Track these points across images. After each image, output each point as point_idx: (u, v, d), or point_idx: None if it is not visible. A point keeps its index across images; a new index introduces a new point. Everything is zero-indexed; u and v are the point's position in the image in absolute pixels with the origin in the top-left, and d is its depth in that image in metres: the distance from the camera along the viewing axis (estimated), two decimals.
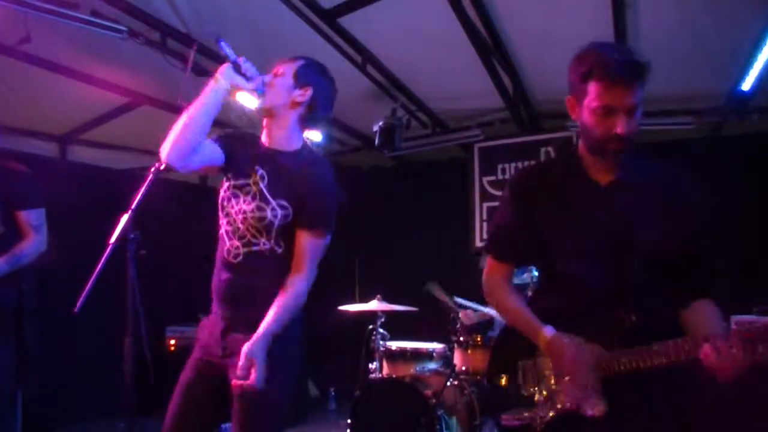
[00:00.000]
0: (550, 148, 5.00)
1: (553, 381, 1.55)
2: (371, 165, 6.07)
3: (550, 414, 1.52)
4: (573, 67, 1.53)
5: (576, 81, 1.51)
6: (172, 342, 5.06)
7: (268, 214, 1.80)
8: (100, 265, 1.70)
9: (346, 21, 3.25)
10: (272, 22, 3.22)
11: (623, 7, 2.99)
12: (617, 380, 1.45)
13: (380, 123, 4.33)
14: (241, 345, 1.71)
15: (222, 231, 1.89)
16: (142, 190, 1.85)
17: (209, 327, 1.90)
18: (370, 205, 5.64)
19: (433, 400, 3.14)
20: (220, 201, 1.91)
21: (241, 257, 1.82)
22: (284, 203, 1.81)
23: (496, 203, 5.27)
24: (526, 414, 1.57)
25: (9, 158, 3.02)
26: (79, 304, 1.70)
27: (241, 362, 1.66)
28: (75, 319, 1.84)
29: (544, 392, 1.56)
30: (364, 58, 3.63)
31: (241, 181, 1.88)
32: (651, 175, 1.58)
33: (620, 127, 1.44)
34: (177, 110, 4.62)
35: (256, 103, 1.96)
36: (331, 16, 3.17)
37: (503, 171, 5.25)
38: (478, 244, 5.31)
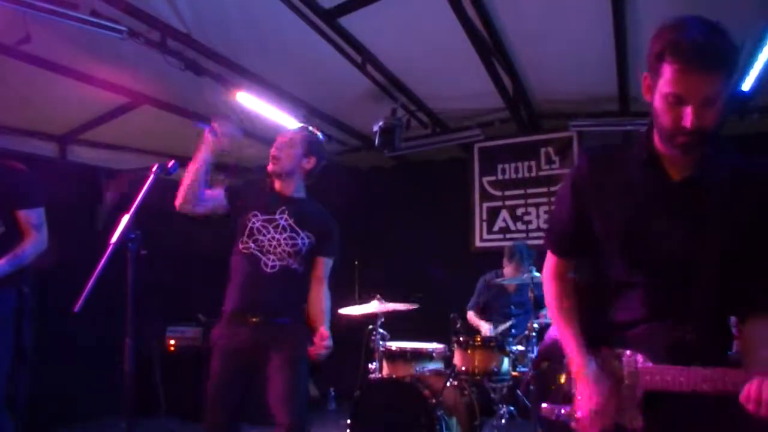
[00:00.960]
0: (550, 149, 5.01)
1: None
2: (371, 165, 6.07)
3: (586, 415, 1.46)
4: (651, 42, 1.32)
5: (652, 57, 1.31)
6: (172, 342, 5.06)
7: (299, 241, 2.44)
8: (100, 265, 1.70)
9: (346, 21, 3.25)
10: (272, 22, 3.22)
11: (623, 7, 2.99)
12: (661, 396, 1.34)
13: (380, 123, 4.33)
14: (275, 339, 2.32)
15: (247, 251, 2.41)
16: (143, 190, 1.85)
17: (232, 331, 2.37)
18: (370, 205, 5.64)
19: (433, 400, 3.14)
20: (248, 229, 2.44)
21: (277, 269, 2.39)
22: (310, 234, 2.47)
23: (496, 203, 5.28)
24: (563, 411, 1.51)
25: (9, 158, 3.02)
26: (79, 303, 1.70)
27: (324, 341, 2.35)
28: (75, 319, 1.84)
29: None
30: (364, 58, 3.63)
31: (269, 216, 2.46)
32: (736, 170, 1.35)
33: (688, 119, 1.24)
34: (177, 110, 4.66)
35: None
36: (331, 16, 3.17)
37: (503, 171, 5.26)
38: (478, 244, 5.32)
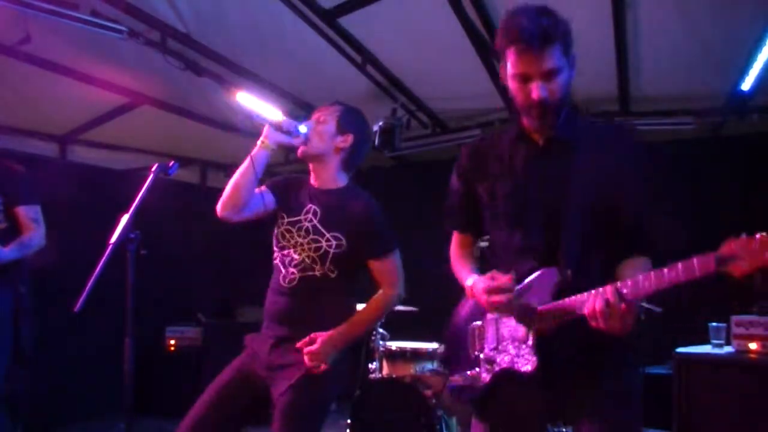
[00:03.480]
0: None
1: (493, 343, 1.58)
2: (371, 165, 6.06)
3: (489, 375, 1.57)
4: (497, 37, 1.52)
5: (500, 51, 1.51)
6: (172, 342, 5.06)
7: (324, 244, 2.01)
8: (100, 265, 1.70)
9: (346, 21, 3.25)
10: (272, 22, 3.22)
11: (623, 7, 2.99)
12: (551, 336, 1.46)
13: (380, 123, 4.32)
14: (288, 362, 1.93)
15: (276, 262, 2.09)
16: (143, 190, 1.85)
17: (258, 342, 2.06)
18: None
19: (433, 400, 3.14)
20: (275, 236, 2.12)
21: (296, 282, 2.01)
22: (337, 234, 2.01)
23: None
24: (468, 374, 1.62)
25: (8, 158, 3.03)
26: (79, 303, 1.70)
27: (310, 347, 1.92)
28: (75, 318, 1.84)
29: (486, 353, 1.60)
30: (364, 58, 3.63)
31: (294, 218, 2.08)
32: (590, 131, 1.57)
33: (534, 92, 1.43)
34: (177, 110, 4.66)
35: (278, 115, 2.09)
36: (331, 16, 3.17)
37: None
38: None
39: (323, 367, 1.92)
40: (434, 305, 4.13)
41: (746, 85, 3.60)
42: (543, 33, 1.40)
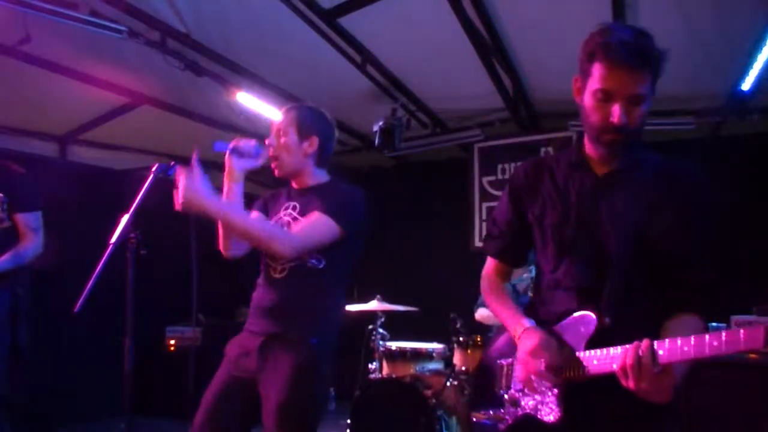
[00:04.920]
0: (549, 148, 5.00)
1: (520, 384, 1.50)
2: (371, 165, 6.07)
3: (512, 418, 1.50)
4: (583, 45, 1.41)
5: (583, 60, 1.40)
6: (172, 342, 5.06)
7: None
8: (100, 265, 1.70)
9: (346, 21, 3.25)
10: (272, 22, 3.22)
11: (623, 7, 2.99)
12: (579, 387, 1.37)
13: (380, 123, 4.33)
14: (278, 360, 1.88)
15: (265, 260, 2.04)
16: (143, 190, 1.84)
17: (242, 342, 2.01)
18: (370, 205, 5.63)
19: (433, 400, 3.14)
20: None
21: (286, 272, 1.97)
22: None
23: (496, 203, 5.27)
24: (492, 413, 1.56)
25: (8, 159, 3.02)
26: (79, 304, 1.70)
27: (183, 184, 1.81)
28: (75, 319, 1.84)
29: (510, 394, 1.53)
30: (364, 58, 3.63)
31: (274, 218, 2.07)
32: (655, 167, 1.44)
33: (616, 115, 1.32)
34: (177, 110, 4.66)
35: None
36: (331, 16, 3.17)
37: (503, 171, 5.26)
38: (478, 244, 5.32)
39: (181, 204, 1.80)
40: (434, 305, 4.15)
41: (746, 85, 3.60)
42: (643, 53, 1.32)
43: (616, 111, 1.33)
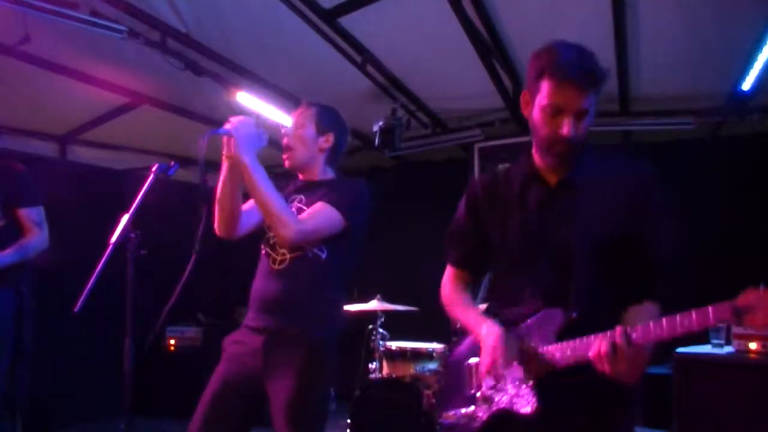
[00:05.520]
0: (507, 165, 4.99)
1: (492, 382, 1.54)
2: (371, 165, 6.06)
3: (487, 414, 1.53)
4: (530, 62, 1.51)
5: (531, 77, 1.49)
6: (172, 342, 5.06)
7: None
8: (100, 265, 1.70)
9: (346, 21, 3.25)
10: (272, 22, 3.22)
11: (623, 7, 2.99)
12: (552, 378, 1.43)
13: (380, 123, 4.33)
14: (284, 358, 1.86)
15: (265, 250, 2.04)
16: (143, 190, 1.85)
17: (244, 339, 1.98)
18: (372, 199, 5.63)
19: (433, 400, 3.14)
20: (263, 230, 2.07)
21: (287, 262, 1.96)
22: None
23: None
24: (463, 412, 1.58)
25: (8, 158, 3.03)
26: (79, 304, 1.70)
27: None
28: (75, 319, 1.84)
29: (483, 392, 1.56)
30: (364, 58, 3.63)
31: None
32: (605, 171, 1.54)
33: (566, 128, 1.41)
34: (177, 110, 4.66)
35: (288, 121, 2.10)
36: (331, 16, 3.17)
37: None
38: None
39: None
40: (434, 305, 4.13)
41: (746, 85, 3.60)
42: (590, 72, 1.42)
43: (566, 124, 1.41)
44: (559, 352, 1.42)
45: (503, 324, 1.54)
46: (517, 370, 1.48)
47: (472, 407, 1.57)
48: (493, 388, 1.53)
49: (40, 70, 3.46)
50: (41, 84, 3.67)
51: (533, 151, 1.57)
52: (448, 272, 1.80)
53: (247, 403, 1.93)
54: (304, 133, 2.08)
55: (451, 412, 1.61)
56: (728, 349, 3.00)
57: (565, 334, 1.43)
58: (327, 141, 2.10)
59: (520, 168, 1.62)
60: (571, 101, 1.40)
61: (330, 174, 2.15)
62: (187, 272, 1.80)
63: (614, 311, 1.45)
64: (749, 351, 2.89)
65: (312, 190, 2.06)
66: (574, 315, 1.43)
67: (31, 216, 2.90)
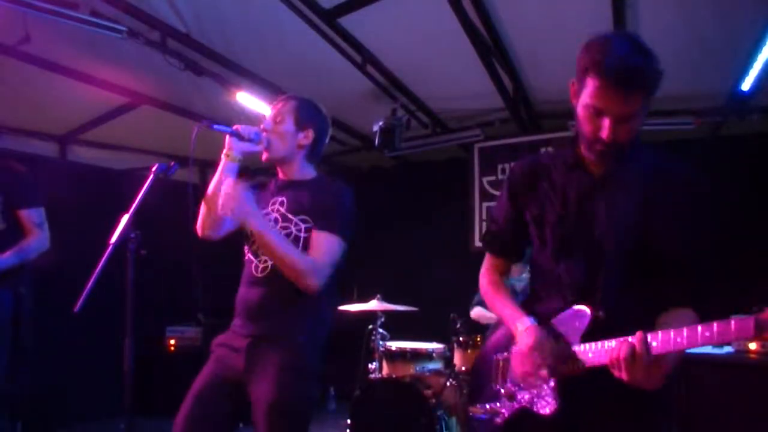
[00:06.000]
0: (550, 149, 5.00)
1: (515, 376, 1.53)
2: (371, 165, 6.07)
3: (508, 411, 1.53)
4: (580, 54, 1.40)
5: (579, 70, 1.41)
6: (172, 342, 5.06)
7: (293, 229, 1.95)
8: (100, 265, 1.70)
9: (346, 21, 3.25)
10: (272, 22, 3.22)
11: (623, 7, 2.99)
12: (574, 380, 1.41)
13: (380, 123, 4.32)
14: (266, 360, 1.86)
15: (248, 256, 2.02)
16: (143, 190, 1.85)
17: (229, 342, 1.98)
18: (370, 205, 5.64)
19: (433, 400, 3.14)
20: (244, 237, 2.04)
21: (269, 270, 1.94)
22: (305, 218, 1.95)
23: (496, 203, 5.27)
24: (488, 407, 1.58)
25: (9, 158, 3.03)
26: (79, 304, 1.70)
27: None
28: (75, 319, 1.84)
29: (507, 388, 1.56)
30: (364, 58, 3.63)
31: (263, 212, 1.99)
32: (651, 166, 1.47)
33: (605, 132, 1.35)
34: (177, 110, 4.66)
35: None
36: (331, 16, 3.17)
37: (503, 171, 5.25)
38: (478, 244, 5.31)
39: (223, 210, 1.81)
40: (434, 305, 4.15)
41: (746, 85, 3.60)
42: (636, 76, 1.30)
43: (605, 128, 1.35)
44: (591, 352, 1.38)
45: (536, 319, 1.51)
46: (543, 368, 1.46)
47: (497, 403, 1.57)
48: (517, 385, 1.53)
49: (40, 70, 3.46)
50: (41, 84, 3.67)
51: (579, 140, 1.52)
52: (487, 260, 1.77)
53: (231, 404, 1.92)
54: (282, 129, 2.02)
55: (479, 406, 1.62)
56: (728, 349, 3.00)
57: (591, 333, 1.39)
58: (306, 137, 2.05)
59: (564, 156, 1.57)
60: (612, 106, 1.33)
61: (310, 172, 2.10)
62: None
63: (646, 314, 1.39)
64: (749, 351, 2.89)
65: (294, 193, 2.02)
66: (601, 314, 1.39)
67: (32, 217, 2.90)
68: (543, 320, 1.51)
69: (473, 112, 4.67)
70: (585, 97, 1.38)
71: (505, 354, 1.60)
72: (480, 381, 1.68)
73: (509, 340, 1.58)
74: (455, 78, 4.01)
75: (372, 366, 3.73)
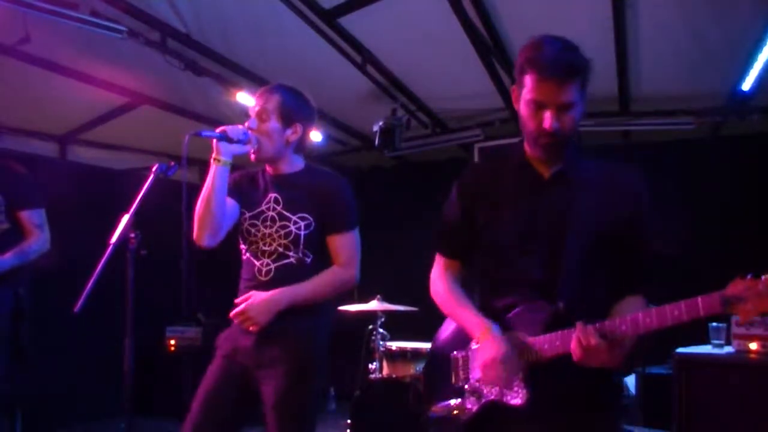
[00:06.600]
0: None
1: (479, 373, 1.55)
2: (371, 165, 6.07)
3: (477, 406, 1.53)
4: (517, 59, 1.53)
5: (517, 72, 1.52)
6: (172, 342, 5.06)
7: (293, 228, 1.96)
8: (100, 265, 1.70)
9: (346, 21, 3.25)
10: (272, 22, 3.22)
11: (623, 7, 2.99)
12: (540, 368, 1.45)
13: (380, 123, 4.32)
14: (273, 358, 1.89)
15: (247, 256, 2.04)
16: (143, 190, 1.85)
17: (235, 340, 2.00)
18: (370, 205, 5.64)
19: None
20: (239, 233, 2.06)
21: (272, 273, 1.96)
22: (304, 215, 1.97)
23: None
24: (452, 404, 1.58)
25: (9, 159, 3.03)
26: (79, 304, 1.70)
27: (245, 305, 1.90)
28: (75, 319, 1.84)
29: (471, 384, 1.56)
30: (364, 58, 3.63)
31: (256, 211, 2.03)
32: (597, 169, 1.58)
33: (547, 121, 1.43)
34: (177, 110, 4.66)
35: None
36: (331, 16, 3.17)
37: None
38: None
39: (253, 328, 1.89)
40: (434, 305, 4.14)
41: (746, 85, 3.60)
42: (567, 66, 1.43)
43: (547, 119, 1.44)
44: (547, 343, 1.44)
45: (491, 315, 1.56)
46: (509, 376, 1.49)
47: (460, 399, 1.57)
48: (480, 380, 1.54)
49: (40, 70, 3.46)
50: (41, 84, 3.66)
51: (525, 143, 1.60)
52: (439, 263, 1.79)
53: (240, 401, 1.95)
54: (269, 127, 1.98)
55: (440, 405, 1.61)
56: (728, 349, 3.00)
57: (552, 325, 1.45)
58: (295, 132, 2.02)
59: (513, 159, 1.64)
60: (552, 95, 1.43)
61: (299, 164, 2.09)
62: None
63: (603, 303, 1.50)
64: (749, 351, 2.89)
65: (288, 190, 2.01)
66: (561, 306, 1.45)
67: (33, 219, 2.90)
68: (500, 315, 1.56)
69: (473, 112, 4.66)
70: (525, 94, 1.47)
71: (464, 352, 1.61)
72: (436, 380, 1.68)
73: (464, 338, 1.61)
74: (455, 78, 4.01)
75: (372, 366, 3.73)
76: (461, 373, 1.60)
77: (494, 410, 1.50)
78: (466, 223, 1.67)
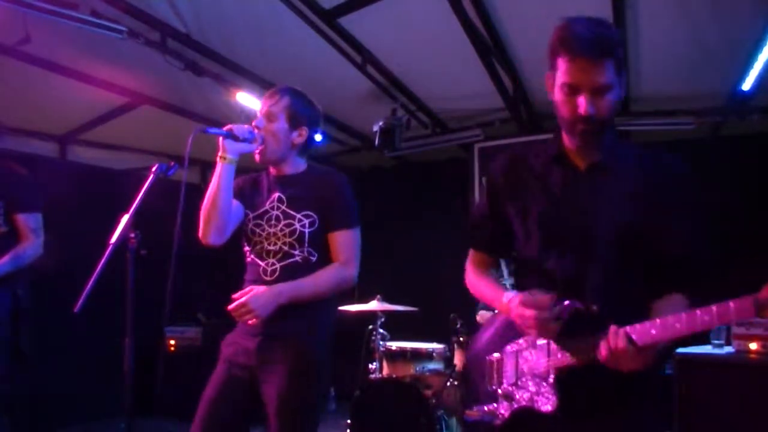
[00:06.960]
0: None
1: (512, 378, 1.51)
2: (371, 165, 6.07)
3: (508, 412, 1.51)
4: (549, 44, 1.44)
5: (550, 57, 1.43)
6: (172, 342, 5.06)
7: (297, 226, 1.97)
8: (100, 265, 1.70)
9: (346, 21, 3.25)
10: (272, 22, 3.22)
11: (623, 7, 2.99)
12: (571, 375, 1.40)
13: (380, 123, 4.32)
14: (277, 359, 1.89)
15: (252, 258, 2.04)
16: (143, 190, 1.85)
17: (239, 342, 2.00)
18: (370, 205, 5.63)
19: (433, 400, 3.14)
20: (244, 234, 2.07)
21: (278, 273, 1.97)
22: (309, 213, 1.99)
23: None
24: (486, 409, 1.56)
25: (9, 159, 3.02)
26: (79, 304, 1.70)
27: (245, 297, 1.86)
28: (75, 319, 1.84)
29: (504, 388, 1.54)
30: (364, 58, 3.63)
31: (260, 211, 2.04)
32: (636, 158, 1.48)
33: (581, 106, 1.34)
34: (177, 110, 4.65)
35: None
36: (331, 16, 3.17)
37: None
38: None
39: (252, 321, 1.88)
40: (434, 305, 4.15)
41: (746, 85, 3.60)
42: (600, 44, 1.34)
43: (582, 102, 1.35)
44: (575, 351, 1.38)
45: None
46: (538, 366, 1.46)
47: (494, 404, 1.55)
48: (514, 384, 1.51)
49: (40, 70, 3.46)
50: (41, 84, 3.67)
51: (563, 133, 1.51)
52: (471, 256, 1.77)
53: (245, 404, 1.95)
54: (276, 128, 2.01)
55: (474, 409, 1.59)
56: (728, 349, 3.00)
57: (583, 323, 1.38)
58: (300, 135, 2.04)
59: (547, 149, 1.56)
60: (586, 77, 1.34)
61: (302, 165, 2.11)
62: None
63: (638, 302, 1.40)
64: (749, 351, 2.89)
65: (292, 189, 2.03)
66: (594, 308, 1.38)
67: (29, 222, 2.88)
68: None
69: (473, 112, 4.67)
70: (559, 79, 1.39)
71: (498, 355, 1.58)
72: (473, 383, 1.66)
73: (500, 341, 1.58)
74: (455, 78, 4.01)
75: (372, 366, 3.73)
76: (495, 377, 1.58)
77: (526, 416, 1.47)
78: (495, 220, 1.63)
